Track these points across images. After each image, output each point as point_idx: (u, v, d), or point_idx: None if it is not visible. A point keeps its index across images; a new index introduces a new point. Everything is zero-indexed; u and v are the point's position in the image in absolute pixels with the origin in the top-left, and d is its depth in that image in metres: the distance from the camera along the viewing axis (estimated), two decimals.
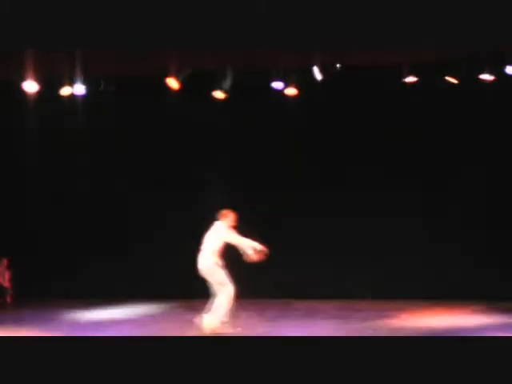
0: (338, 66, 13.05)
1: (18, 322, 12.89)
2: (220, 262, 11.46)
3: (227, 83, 13.99)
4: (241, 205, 15.37)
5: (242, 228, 11.86)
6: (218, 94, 14.26)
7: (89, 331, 11.58)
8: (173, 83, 13.54)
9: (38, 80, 13.14)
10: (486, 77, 13.09)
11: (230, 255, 11.68)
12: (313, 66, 12.88)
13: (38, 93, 13.60)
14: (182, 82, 13.65)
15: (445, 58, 12.05)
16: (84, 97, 14.30)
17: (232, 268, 12.44)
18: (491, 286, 14.20)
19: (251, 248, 11.34)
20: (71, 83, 13.73)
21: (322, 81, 13.37)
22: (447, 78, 13.45)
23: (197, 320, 11.32)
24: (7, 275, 15.92)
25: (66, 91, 13.93)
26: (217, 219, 11.68)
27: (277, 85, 13.76)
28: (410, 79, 13.19)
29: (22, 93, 13.68)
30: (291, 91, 13.96)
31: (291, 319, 12.73)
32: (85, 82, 13.83)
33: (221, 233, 11.55)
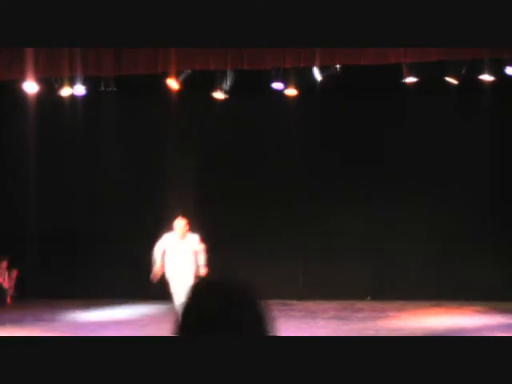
0: (337, 66, 13.04)
1: (18, 322, 12.88)
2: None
3: (227, 83, 13.99)
4: (241, 205, 15.45)
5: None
6: (218, 94, 14.27)
7: (89, 331, 11.57)
8: (173, 83, 13.53)
9: (38, 81, 13.15)
10: (486, 77, 13.09)
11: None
12: (313, 66, 12.87)
13: (38, 93, 13.63)
14: (182, 83, 13.65)
15: (446, 58, 12.03)
16: (84, 97, 14.33)
17: (231, 267, 12.44)
18: (491, 286, 14.20)
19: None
20: (71, 84, 13.74)
21: (322, 81, 13.37)
22: (447, 79, 13.44)
23: None
24: (7, 276, 15.90)
25: (66, 92, 13.94)
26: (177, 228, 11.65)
27: (277, 85, 13.76)
28: (410, 79, 13.18)
29: (22, 93, 13.71)
30: (291, 92, 13.96)
31: (291, 319, 12.73)
32: (85, 83, 13.84)
33: (197, 246, 11.64)
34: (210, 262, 12.79)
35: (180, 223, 11.96)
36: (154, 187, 15.78)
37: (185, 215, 12.05)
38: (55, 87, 13.93)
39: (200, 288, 2.28)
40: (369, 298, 14.97)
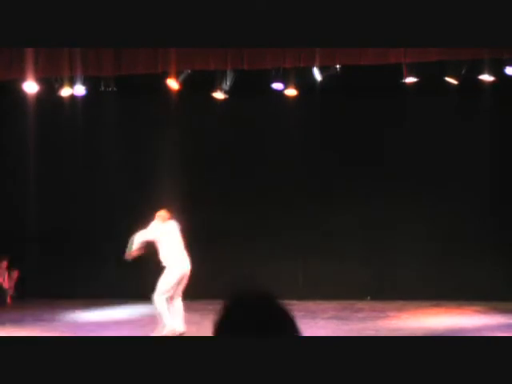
0: (337, 66, 13.04)
1: (18, 322, 12.88)
2: None
3: (227, 83, 13.99)
4: (240, 205, 15.44)
5: None
6: (218, 94, 14.26)
7: (89, 331, 11.57)
8: (173, 83, 13.53)
9: (38, 81, 13.15)
10: (486, 77, 13.09)
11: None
12: (313, 66, 12.87)
13: (38, 93, 13.63)
14: (182, 83, 13.64)
15: (446, 58, 12.03)
16: (84, 97, 14.34)
17: (231, 267, 12.37)
18: (491, 286, 14.20)
19: None
20: (71, 84, 13.74)
21: (322, 81, 13.37)
22: (447, 79, 13.44)
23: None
24: (7, 276, 15.90)
25: (66, 92, 13.94)
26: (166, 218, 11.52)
27: (277, 85, 13.76)
28: (410, 79, 13.18)
29: (22, 93, 13.71)
30: (291, 92, 13.96)
31: None
32: (85, 83, 13.84)
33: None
34: (210, 262, 12.77)
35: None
36: (153, 187, 15.77)
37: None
38: (55, 87, 13.93)
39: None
40: (369, 298, 14.96)
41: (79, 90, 13.89)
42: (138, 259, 15.16)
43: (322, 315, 13.10)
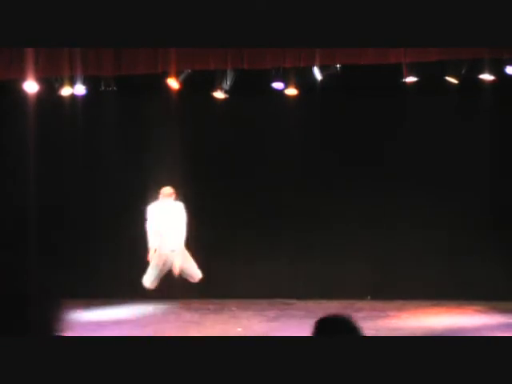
0: (337, 66, 13.05)
1: None
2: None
3: (227, 83, 13.99)
4: (240, 205, 15.45)
5: None
6: (218, 94, 14.27)
7: (89, 331, 11.57)
8: (173, 83, 13.54)
9: (38, 80, 13.16)
10: (486, 77, 13.10)
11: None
12: (313, 66, 12.88)
13: (38, 93, 13.63)
14: (182, 82, 13.65)
15: (446, 58, 12.04)
16: (84, 97, 14.34)
17: (231, 267, 12.35)
18: (491, 285, 14.20)
19: None
20: (71, 83, 13.75)
21: (322, 80, 13.38)
22: (447, 79, 13.45)
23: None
24: None
25: (66, 91, 13.94)
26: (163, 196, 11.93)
27: (277, 85, 13.76)
28: (410, 79, 13.19)
29: (22, 93, 13.71)
30: (291, 91, 13.97)
31: (291, 319, 12.73)
32: (85, 82, 13.85)
33: (183, 214, 11.82)
34: (210, 262, 12.72)
35: None
36: (153, 187, 15.76)
37: None
38: (55, 87, 13.94)
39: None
40: (369, 297, 14.97)
41: (79, 89, 13.90)
42: (139, 258, 15.18)
43: (322, 315, 13.10)
